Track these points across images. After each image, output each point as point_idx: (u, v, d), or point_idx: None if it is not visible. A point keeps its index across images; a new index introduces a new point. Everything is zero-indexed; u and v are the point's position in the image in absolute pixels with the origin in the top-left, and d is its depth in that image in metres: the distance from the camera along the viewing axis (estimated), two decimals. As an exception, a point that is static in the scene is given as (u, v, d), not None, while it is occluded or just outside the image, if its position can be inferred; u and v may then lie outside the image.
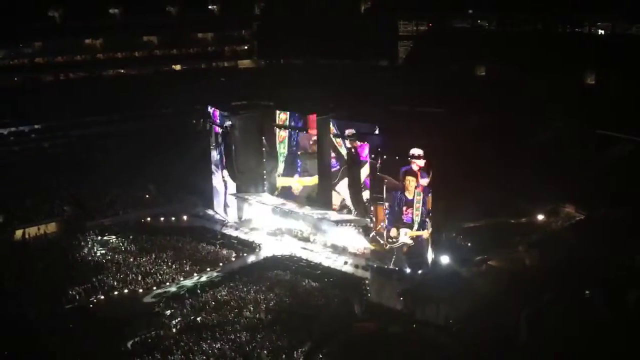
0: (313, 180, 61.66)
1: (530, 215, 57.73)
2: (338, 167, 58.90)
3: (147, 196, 71.09)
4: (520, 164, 60.05)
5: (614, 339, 38.63)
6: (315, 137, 60.54)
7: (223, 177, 65.83)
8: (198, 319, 45.70)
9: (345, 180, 58.32)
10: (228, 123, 63.59)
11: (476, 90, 76.26)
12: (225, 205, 66.36)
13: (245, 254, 58.02)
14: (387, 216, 51.17)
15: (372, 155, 52.37)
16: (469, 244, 54.29)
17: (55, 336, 43.83)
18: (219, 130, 65.44)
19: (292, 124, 61.83)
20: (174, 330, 44.37)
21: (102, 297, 49.75)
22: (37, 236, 62.32)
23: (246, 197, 64.04)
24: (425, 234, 50.41)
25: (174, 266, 54.76)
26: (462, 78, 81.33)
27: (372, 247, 53.12)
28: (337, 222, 57.10)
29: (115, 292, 50.52)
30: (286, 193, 63.81)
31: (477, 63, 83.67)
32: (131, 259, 56.32)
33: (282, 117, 62.38)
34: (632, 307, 42.42)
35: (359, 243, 56.07)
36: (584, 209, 57.36)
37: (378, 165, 51.43)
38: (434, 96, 74.08)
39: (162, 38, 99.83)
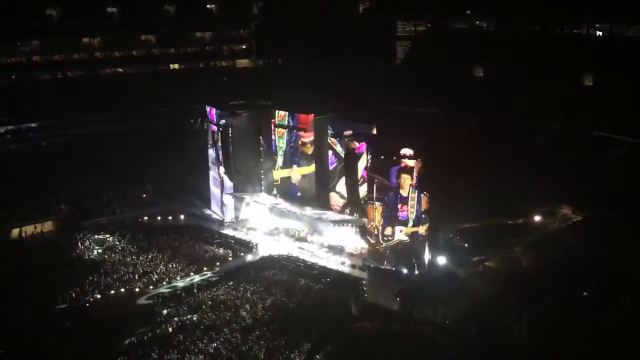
0: (310, 168, 61.53)
1: (527, 216, 57.82)
2: (336, 163, 58.83)
3: (144, 195, 71.04)
4: (518, 165, 60.18)
5: (611, 341, 38.71)
6: (306, 139, 60.58)
7: (220, 174, 65.80)
8: (194, 318, 45.63)
9: (343, 179, 58.29)
10: (225, 122, 63.47)
11: (474, 91, 76.36)
12: (222, 205, 66.35)
13: (242, 254, 57.93)
14: (383, 215, 51.18)
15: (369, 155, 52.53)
16: (466, 245, 54.34)
17: (52, 335, 43.72)
18: (215, 129, 65.40)
19: (290, 123, 61.72)
20: (170, 329, 44.29)
21: (99, 296, 49.61)
22: (34, 235, 62.21)
23: (243, 196, 63.99)
24: (421, 229, 50.36)
25: (170, 265, 54.69)
26: (460, 79, 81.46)
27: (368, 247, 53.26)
28: (334, 222, 57.11)
29: (112, 291, 50.37)
30: (284, 192, 63.68)
31: (475, 64, 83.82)
32: (128, 258, 56.25)
33: (281, 113, 62.28)
34: (627, 309, 42.51)
35: (356, 243, 56.07)
36: (580, 211, 57.50)
37: (368, 164, 51.92)
38: (431, 97, 74.12)
39: (160, 37, 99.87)
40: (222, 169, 65.02)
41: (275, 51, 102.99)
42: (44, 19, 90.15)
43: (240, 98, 69.88)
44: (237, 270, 54.20)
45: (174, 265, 54.69)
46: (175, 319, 45.64)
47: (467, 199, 55.08)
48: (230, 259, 57.02)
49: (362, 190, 55.86)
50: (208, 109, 67.01)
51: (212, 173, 67.78)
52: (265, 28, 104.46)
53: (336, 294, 49.33)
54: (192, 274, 53.37)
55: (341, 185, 58.73)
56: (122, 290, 50.66)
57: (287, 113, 61.89)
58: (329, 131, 58.50)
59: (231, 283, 51.17)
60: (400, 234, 51.01)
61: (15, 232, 61.78)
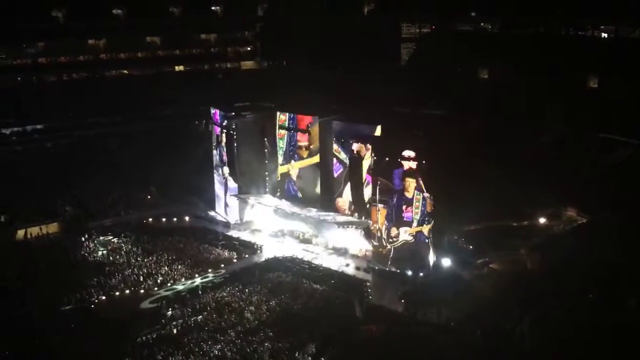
0: (308, 161, 61.59)
1: (532, 218, 57.79)
2: (341, 170, 58.84)
3: (149, 197, 71.18)
4: (522, 167, 60.11)
5: (614, 343, 38.64)
6: (301, 143, 60.99)
7: (223, 175, 65.96)
8: (199, 320, 45.68)
9: (349, 185, 58.31)
10: (229, 124, 63.59)
11: (479, 93, 76.31)
12: (226, 206, 66.49)
13: (246, 256, 57.98)
14: (387, 216, 51.52)
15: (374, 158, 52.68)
16: (471, 247, 54.33)
17: (57, 336, 43.81)
18: (219, 131, 65.54)
19: (291, 125, 61.90)
20: (175, 331, 44.35)
21: (104, 297, 49.68)
22: (39, 236, 62.32)
23: (248, 198, 64.06)
24: (425, 229, 50.43)
25: (175, 267, 54.75)
26: (465, 81, 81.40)
27: (372, 249, 53.35)
28: (339, 224, 57.13)
29: (117, 293, 50.46)
30: (283, 192, 63.89)
31: (480, 66, 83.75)
32: (132, 260, 56.31)
33: (281, 117, 62.45)
34: (632, 311, 42.39)
35: (360, 245, 56.08)
36: (585, 213, 57.39)
37: (371, 167, 52.53)
38: (435, 99, 74.13)
39: (165, 39, 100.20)
40: (226, 171, 65.15)
41: (280, 53, 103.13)
42: (50, 21, 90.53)
43: (244, 100, 69.96)
44: (241, 272, 54.20)
45: (179, 267, 54.74)
46: (180, 320, 45.65)
47: (471, 201, 55.03)
48: (234, 260, 57.05)
49: (367, 192, 55.82)
50: (213, 110, 67.13)
51: (217, 175, 67.92)
52: (270, 30, 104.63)
53: (341, 295, 49.27)
54: (196, 275, 53.40)
55: (347, 193, 58.72)
56: (127, 291, 50.70)
57: (287, 116, 62.18)
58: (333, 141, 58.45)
59: (236, 285, 51.12)
60: (405, 234, 51.09)
61: (20, 233, 61.95)
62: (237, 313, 46.36)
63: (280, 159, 63.91)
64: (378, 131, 55.24)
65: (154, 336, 43.56)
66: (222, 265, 55.50)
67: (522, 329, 41.11)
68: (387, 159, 51.43)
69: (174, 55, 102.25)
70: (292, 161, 62.96)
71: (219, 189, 68.03)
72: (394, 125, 58.16)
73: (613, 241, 49.70)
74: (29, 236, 61.99)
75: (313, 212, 60.10)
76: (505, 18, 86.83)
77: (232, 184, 65.05)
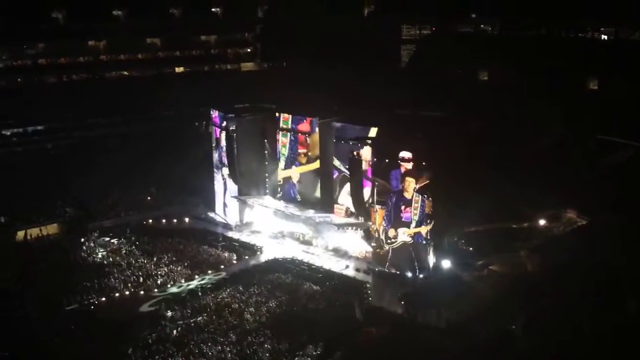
0: (309, 166, 61.56)
1: (532, 220, 57.75)
2: (336, 174, 58.81)
3: (148, 198, 71.14)
4: (522, 169, 60.09)
5: (615, 345, 38.62)
6: (300, 150, 61.12)
7: (223, 176, 66.00)
8: (199, 321, 45.67)
9: (345, 189, 58.16)
10: (229, 125, 63.58)
11: (478, 95, 76.34)
12: (225, 207, 66.49)
13: (246, 257, 57.99)
14: (385, 217, 51.59)
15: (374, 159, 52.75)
16: (471, 249, 54.30)
17: (57, 338, 43.79)
18: (218, 132, 65.56)
19: (294, 126, 61.88)
20: (174, 332, 44.33)
21: (104, 298, 49.68)
22: (39, 237, 62.27)
23: (248, 199, 64.06)
24: (424, 230, 50.45)
25: (175, 268, 54.76)
26: (465, 82, 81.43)
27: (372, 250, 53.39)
28: (339, 226, 57.11)
29: (117, 294, 50.47)
30: (288, 197, 63.83)
31: (480, 67, 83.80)
32: (132, 261, 56.35)
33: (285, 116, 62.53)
34: (633, 313, 42.36)
35: (360, 246, 56.06)
36: (585, 214, 57.38)
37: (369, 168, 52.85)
38: (436, 100, 74.15)
39: (165, 40, 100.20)
40: (225, 172, 65.15)
41: (280, 55, 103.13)
42: (50, 22, 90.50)
43: (244, 101, 69.99)
44: (241, 273, 54.21)
45: (179, 268, 54.76)
46: (180, 322, 45.66)
47: (471, 202, 54.98)
48: (234, 262, 57.05)
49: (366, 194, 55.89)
50: (212, 112, 67.13)
51: (217, 176, 67.91)
52: (270, 31, 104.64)
53: (340, 297, 49.28)
54: (196, 277, 53.42)
55: (343, 197, 58.63)
56: (127, 293, 50.73)
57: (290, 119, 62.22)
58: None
59: (235, 286, 51.14)
60: (403, 235, 51.11)
61: (20, 234, 61.93)
62: (237, 314, 46.37)
63: (282, 164, 63.78)
64: (373, 132, 55.25)
65: (154, 337, 43.55)
66: (222, 267, 55.51)
67: (516, 330, 41.02)
68: (386, 160, 51.54)
69: (174, 57, 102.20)
70: (293, 167, 62.86)
71: (219, 190, 68.01)
72: (393, 126, 58.17)
73: (613, 243, 49.69)
74: (28, 237, 61.95)
75: (313, 213, 60.08)
76: (505, 20, 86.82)
77: (231, 185, 65.02)
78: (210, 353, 41.44)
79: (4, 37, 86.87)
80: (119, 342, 42.84)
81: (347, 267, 54.93)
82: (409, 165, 50.09)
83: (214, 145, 67.65)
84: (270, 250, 59.00)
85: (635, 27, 75.68)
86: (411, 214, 50.78)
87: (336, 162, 58.18)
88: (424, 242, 50.87)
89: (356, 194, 56.71)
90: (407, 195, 50.62)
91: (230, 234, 63.18)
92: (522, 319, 42.01)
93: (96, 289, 51.00)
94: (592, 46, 78.19)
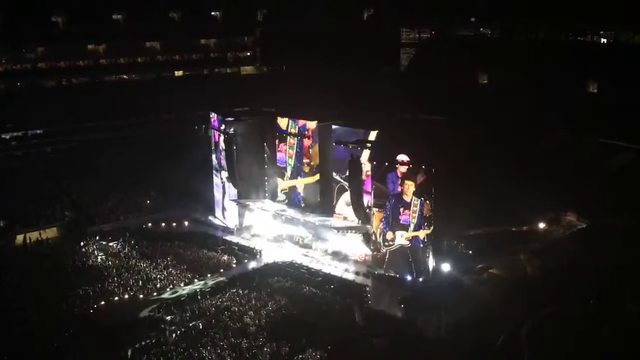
0: (314, 178, 61.75)
1: (531, 223, 57.65)
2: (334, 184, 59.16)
3: (148, 202, 71.06)
4: (522, 172, 59.97)
5: (616, 352, 38.54)
6: (305, 161, 61.37)
7: (222, 180, 65.96)
8: (198, 325, 45.58)
9: (343, 198, 58.51)
10: (228, 129, 63.58)
11: (478, 98, 76.28)
12: (224, 210, 66.40)
13: (246, 261, 57.92)
14: (383, 220, 51.64)
15: (374, 162, 52.77)
16: (470, 252, 54.21)
17: (56, 342, 43.69)
18: (218, 135, 65.53)
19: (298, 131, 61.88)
20: (174, 336, 44.26)
21: (103, 303, 49.60)
22: (38, 241, 62.33)
23: (247, 203, 64.00)
24: (422, 234, 50.40)
25: (174, 272, 54.70)
26: (464, 86, 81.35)
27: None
28: (338, 229, 57.06)
29: (116, 298, 50.38)
30: (288, 200, 63.76)
31: (480, 71, 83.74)
32: (132, 265, 56.28)
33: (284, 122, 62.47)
34: (635, 317, 42.24)
35: (360, 250, 55.99)
36: (585, 218, 57.27)
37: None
38: (436, 104, 74.04)
39: (164, 44, 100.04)
40: (224, 175, 65.09)
41: (280, 58, 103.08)
42: (49, 26, 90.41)
43: (244, 104, 69.96)
44: (241, 277, 54.18)
45: (178, 272, 54.68)
46: (179, 325, 45.59)
47: (471, 205, 54.92)
48: (234, 265, 57.01)
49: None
50: (212, 115, 67.10)
51: (216, 179, 67.87)
52: (270, 35, 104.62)
53: (340, 300, 49.22)
54: (195, 280, 53.36)
55: (341, 206, 58.76)
56: (126, 297, 50.63)
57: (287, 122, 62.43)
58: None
59: (235, 290, 51.13)
60: (401, 238, 51.03)
61: (19, 238, 61.92)
62: (237, 318, 46.30)
63: (288, 174, 63.65)
64: (372, 136, 55.43)
65: (153, 341, 43.47)
66: (222, 270, 55.44)
67: (523, 342, 40.79)
68: (386, 163, 51.54)
69: (174, 60, 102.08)
70: (299, 177, 62.91)
71: (218, 194, 67.96)
72: (393, 130, 58.16)
73: (614, 246, 49.61)
74: (27, 241, 61.95)
75: (312, 217, 60.07)
76: (504, 23, 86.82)
77: (231, 190, 64.98)
78: (209, 357, 41.37)
79: (4, 40, 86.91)
80: (117, 347, 42.76)
81: (346, 270, 54.84)
82: (403, 169, 50.30)
83: (213, 148, 67.62)
84: (270, 253, 58.93)
85: (636, 30, 75.54)
86: (410, 217, 50.75)
87: (335, 175, 58.82)
88: (422, 245, 50.77)
89: (356, 197, 56.73)
90: (406, 198, 50.61)
91: (229, 237, 63.09)
92: (523, 324, 41.92)
93: (95, 293, 50.94)
94: (593, 49, 78.09)
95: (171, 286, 52.29)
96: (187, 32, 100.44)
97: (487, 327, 42.48)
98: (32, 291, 51.33)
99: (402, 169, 50.49)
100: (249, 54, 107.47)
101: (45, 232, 63.20)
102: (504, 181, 58.23)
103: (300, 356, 41.23)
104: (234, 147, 63.13)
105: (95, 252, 59.22)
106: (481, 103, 73.86)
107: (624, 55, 73.51)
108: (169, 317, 46.74)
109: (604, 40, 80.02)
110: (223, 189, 66.35)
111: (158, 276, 53.83)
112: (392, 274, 51.89)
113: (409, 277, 50.91)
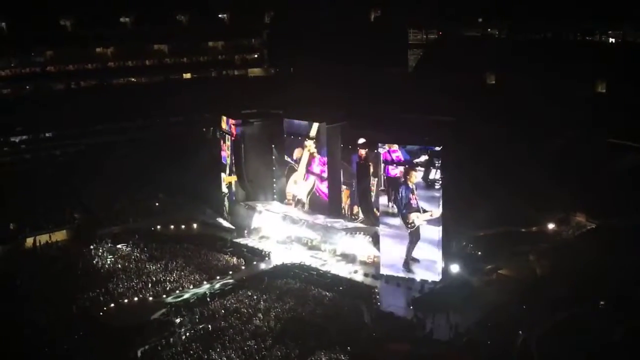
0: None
1: (540, 224, 57.54)
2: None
3: (157, 204, 71.23)
4: (531, 173, 59.82)
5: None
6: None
7: (229, 182, 66.20)
8: (208, 327, 45.64)
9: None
10: (237, 131, 63.70)
11: (486, 98, 76.17)
12: (234, 213, 66.47)
13: (254, 262, 57.96)
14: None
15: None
16: (479, 253, 54.13)
17: (66, 344, 43.84)
18: (226, 137, 65.64)
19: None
20: (183, 338, 44.32)
21: (112, 304, 49.75)
22: (48, 244, 62.53)
23: (256, 205, 64.08)
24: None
25: (183, 274, 54.77)
26: (473, 86, 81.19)
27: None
28: (347, 231, 57.08)
29: (125, 300, 50.51)
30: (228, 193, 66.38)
31: (488, 71, 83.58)
32: (141, 267, 56.39)
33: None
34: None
35: (368, 251, 55.96)
36: (594, 218, 57.10)
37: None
38: (444, 104, 73.92)
39: (172, 47, 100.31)
40: (234, 178, 65.19)
41: (287, 60, 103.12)
42: (58, 29, 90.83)
43: (252, 107, 70.01)
44: (249, 278, 54.17)
45: (187, 274, 54.75)
46: (188, 327, 45.65)
47: (480, 206, 54.89)
48: (243, 267, 57.04)
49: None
50: (220, 117, 67.20)
51: (224, 178, 67.90)
52: (278, 37, 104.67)
53: (349, 302, 49.17)
54: (204, 282, 53.41)
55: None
56: (135, 299, 50.75)
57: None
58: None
59: (244, 292, 51.14)
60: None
61: (29, 241, 62.14)
62: (246, 320, 46.31)
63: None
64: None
65: (163, 343, 43.54)
66: (231, 272, 55.48)
67: (532, 348, 40.67)
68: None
69: (182, 63, 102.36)
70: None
71: (226, 195, 68.04)
72: (401, 128, 58.28)
73: (623, 247, 49.46)
74: (37, 244, 62.17)
75: (321, 218, 60.11)
76: (512, 23, 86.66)
77: (240, 192, 65.17)
78: (218, 358, 41.38)
79: (13, 44, 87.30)
80: (127, 348, 42.85)
81: (355, 271, 54.86)
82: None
83: (221, 150, 67.69)
84: (279, 255, 58.95)
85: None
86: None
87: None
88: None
89: (364, 198, 56.83)
90: (412, 185, 51.71)
91: (238, 239, 63.12)
92: (534, 329, 41.78)
93: (105, 295, 51.07)
94: (601, 49, 77.83)
95: (180, 288, 52.36)
96: (194, 35, 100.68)
97: (498, 330, 42.37)
98: (42, 294, 51.50)
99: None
100: (256, 56, 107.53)
101: (54, 235, 63.41)
102: (513, 181, 58.15)
103: (309, 357, 41.17)
104: (242, 149, 63.24)
105: (105, 254, 59.37)
106: (489, 103, 73.72)
107: (632, 55, 73.22)
108: (178, 319, 46.81)
109: (612, 39, 79.71)
110: (231, 191, 66.52)
111: (167, 278, 53.92)
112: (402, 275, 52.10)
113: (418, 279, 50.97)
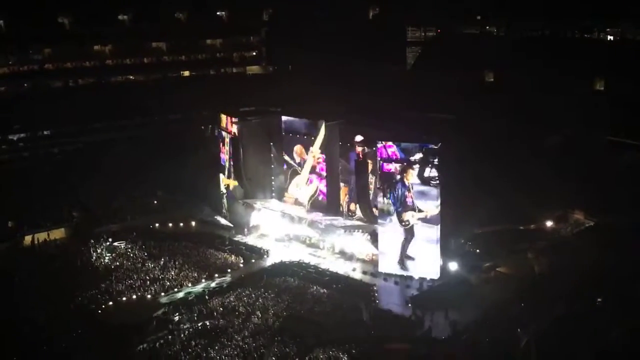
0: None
1: (539, 222, 57.58)
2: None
3: (155, 202, 71.17)
4: (530, 170, 59.89)
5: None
6: None
7: (227, 184, 66.14)
8: (206, 324, 45.64)
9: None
10: (235, 129, 63.64)
11: (484, 96, 76.20)
12: (232, 211, 66.41)
13: (253, 260, 57.92)
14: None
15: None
16: (478, 250, 54.15)
17: (64, 341, 43.82)
18: (225, 135, 65.56)
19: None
20: (182, 336, 44.29)
21: (111, 302, 49.70)
22: (46, 242, 62.43)
23: (254, 203, 64.03)
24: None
25: (182, 272, 54.73)
26: (471, 83, 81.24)
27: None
28: (345, 229, 57.07)
29: (124, 298, 50.47)
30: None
31: (486, 68, 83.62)
32: (139, 265, 56.34)
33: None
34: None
35: (367, 249, 55.96)
36: (593, 216, 57.15)
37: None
38: (443, 102, 74.01)
39: (170, 44, 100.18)
40: (232, 175, 65.11)
41: (286, 58, 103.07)
42: (56, 27, 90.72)
43: (250, 104, 69.96)
44: (248, 276, 54.14)
45: (186, 272, 54.71)
46: (187, 325, 45.64)
47: (479, 204, 54.92)
48: (241, 265, 56.99)
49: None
50: (219, 115, 67.12)
51: (225, 182, 67.83)
52: (276, 35, 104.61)
53: (347, 299, 49.17)
54: (203, 280, 53.38)
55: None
56: (134, 297, 50.70)
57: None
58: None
59: (242, 290, 51.10)
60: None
61: (27, 239, 62.05)
62: (244, 317, 46.31)
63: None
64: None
65: (161, 341, 43.53)
66: (229, 270, 55.44)
67: (530, 344, 40.67)
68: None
69: (180, 61, 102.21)
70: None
71: (225, 193, 67.97)
72: (401, 126, 58.27)
73: (620, 245, 49.52)
74: (35, 242, 62.08)
75: (319, 216, 60.10)
76: (510, 21, 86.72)
77: (238, 190, 65.09)
78: (217, 357, 41.38)
79: (11, 42, 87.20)
80: (126, 346, 42.84)
81: (353, 269, 54.85)
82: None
83: (219, 148, 67.62)
84: (277, 253, 58.92)
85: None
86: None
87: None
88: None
89: (362, 196, 56.80)
90: (407, 182, 51.46)
91: (236, 237, 63.06)
92: (531, 327, 41.79)
93: (103, 293, 51.03)
94: (599, 46, 77.90)
95: (179, 286, 52.32)
96: (192, 33, 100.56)
97: (497, 328, 42.38)
98: (40, 291, 51.44)
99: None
100: (254, 53, 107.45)
101: (53, 233, 63.30)
102: (511, 179, 58.18)
103: (308, 355, 41.18)
104: (240, 147, 63.19)
105: (103, 252, 59.31)
106: (487, 101, 73.75)
107: (630, 52, 73.28)
108: (177, 317, 46.79)
109: (610, 37, 79.76)
110: (228, 190, 66.47)
111: (166, 276, 53.88)
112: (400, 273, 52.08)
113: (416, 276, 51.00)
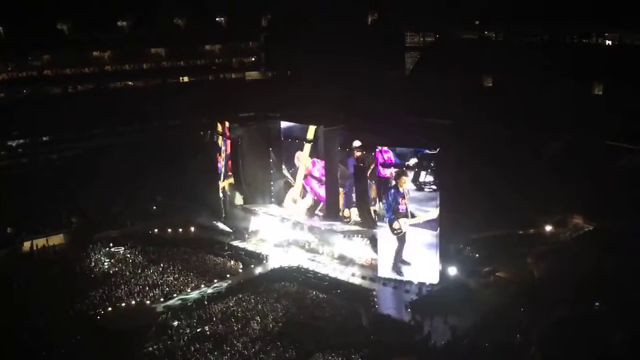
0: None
1: (538, 226, 57.56)
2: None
3: (154, 207, 71.17)
4: (529, 175, 59.93)
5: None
6: None
7: (223, 187, 66.14)
8: (206, 330, 45.57)
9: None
10: (234, 134, 63.67)
11: (483, 101, 76.27)
12: (230, 216, 66.37)
13: (252, 266, 57.88)
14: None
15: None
16: (477, 255, 54.12)
17: (62, 348, 43.73)
18: (224, 141, 65.60)
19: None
20: (181, 341, 44.23)
21: (110, 308, 49.64)
22: (45, 248, 62.42)
23: (253, 208, 64.01)
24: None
25: (181, 278, 54.70)
26: (470, 89, 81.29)
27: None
28: (344, 234, 57.03)
29: (123, 304, 50.40)
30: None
31: (485, 74, 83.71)
32: (138, 271, 56.30)
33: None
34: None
35: (366, 254, 55.92)
36: (592, 220, 57.13)
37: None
38: (441, 107, 74.11)
39: (169, 50, 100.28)
40: (231, 181, 65.12)
41: (285, 63, 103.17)
42: (55, 33, 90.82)
43: (249, 110, 70.02)
44: (247, 282, 54.11)
45: (185, 278, 54.67)
46: (186, 331, 45.58)
47: (478, 209, 54.90)
48: (240, 270, 56.95)
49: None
50: (218, 121, 67.15)
51: (221, 185, 67.86)
52: (275, 40, 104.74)
53: (346, 305, 49.13)
54: (202, 285, 53.34)
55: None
56: (133, 302, 50.65)
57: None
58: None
59: (242, 295, 51.06)
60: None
61: (26, 245, 62.03)
62: (244, 323, 46.25)
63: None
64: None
65: (161, 347, 43.46)
66: (228, 276, 55.41)
67: (533, 347, 40.60)
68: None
69: (179, 66, 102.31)
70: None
71: (224, 199, 67.96)
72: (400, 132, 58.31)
73: (620, 249, 49.47)
74: (34, 248, 62.06)
75: (318, 221, 60.08)
76: (509, 26, 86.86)
77: (238, 195, 65.08)
78: (216, 362, 41.39)
79: (10, 48, 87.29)
80: (125, 352, 42.77)
81: (353, 274, 54.79)
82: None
83: (218, 154, 67.64)
84: (276, 258, 58.87)
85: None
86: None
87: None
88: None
89: (361, 201, 56.78)
90: (402, 190, 51.32)
91: (236, 242, 63.05)
92: (533, 332, 41.73)
93: (102, 299, 50.97)
94: (598, 51, 78.03)
95: (178, 292, 52.28)
96: (191, 38, 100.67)
97: (497, 333, 42.32)
98: (39, 297, 51.38)
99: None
100: (253, 59, 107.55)
101: (52, 239, 63.29)
102: (510, 184, 58.19)
103: (308, 361, 41.22)
104: (240, 152, 63.21)
105: (102, 258, 59.29)
106: (486, 106, 73.82)
107: (629, 57, 73.38)
108: (176, 323, 46.73)
109: (609, 42, 79.90)
110: (225, 195, 66.48)
111: (165, 282, 53.83)
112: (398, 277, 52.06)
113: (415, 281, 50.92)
